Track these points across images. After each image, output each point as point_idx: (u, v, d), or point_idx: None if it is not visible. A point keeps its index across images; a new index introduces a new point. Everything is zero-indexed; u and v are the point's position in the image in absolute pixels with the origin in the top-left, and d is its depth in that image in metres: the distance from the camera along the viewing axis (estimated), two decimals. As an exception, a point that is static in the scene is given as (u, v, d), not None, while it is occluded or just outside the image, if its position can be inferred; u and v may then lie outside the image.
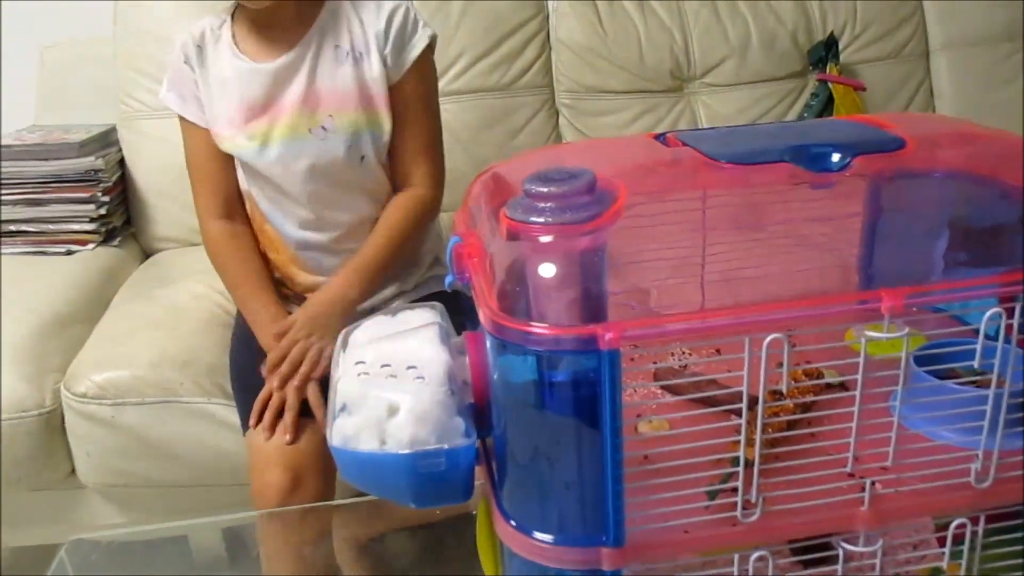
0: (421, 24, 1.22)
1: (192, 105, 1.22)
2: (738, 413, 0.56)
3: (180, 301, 1.42)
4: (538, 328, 0.50)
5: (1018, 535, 0.60)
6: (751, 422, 0.57)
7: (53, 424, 1.28)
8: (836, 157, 0.56)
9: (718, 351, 0.63)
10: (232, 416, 1.27)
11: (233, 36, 1.20)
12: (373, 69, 1.18)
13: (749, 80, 1.88)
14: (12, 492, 1.33)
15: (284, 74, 1.17)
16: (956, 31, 1.98)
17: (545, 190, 0.52)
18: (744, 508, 0.55)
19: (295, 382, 1.12)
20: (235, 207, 1.25)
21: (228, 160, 1.23)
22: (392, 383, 0.59)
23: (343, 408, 0.61)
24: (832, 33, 1.89)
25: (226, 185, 1.24)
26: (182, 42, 1.21)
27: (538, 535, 0.55)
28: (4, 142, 1.60)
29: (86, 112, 1.75)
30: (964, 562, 0.58)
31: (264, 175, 1.20)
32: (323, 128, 1.17)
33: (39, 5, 1.84)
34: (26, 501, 1.35)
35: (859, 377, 0.51)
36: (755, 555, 0.56)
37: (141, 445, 1.28)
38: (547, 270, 0.52)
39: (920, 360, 0.65)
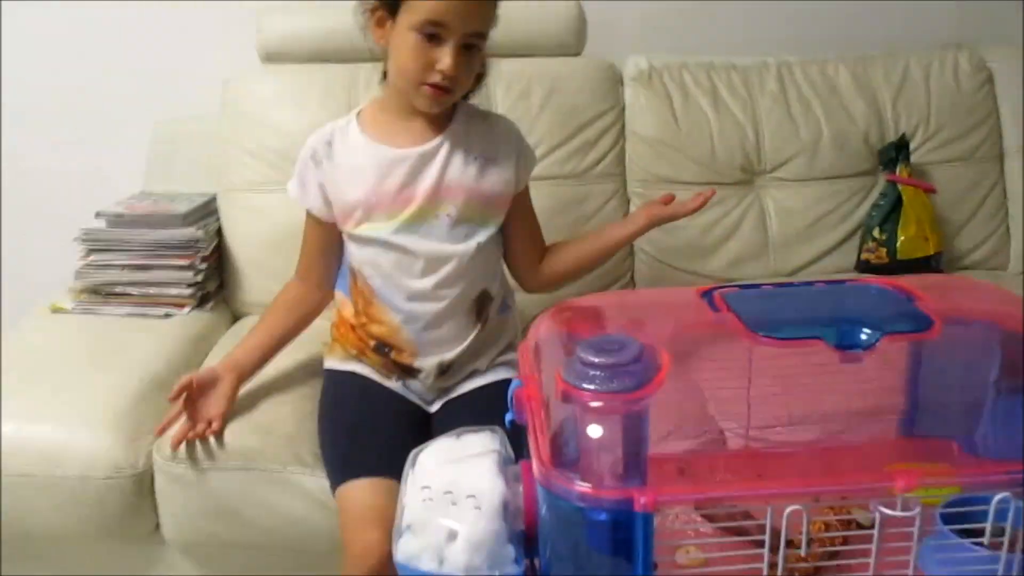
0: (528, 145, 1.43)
1: (311, 196, 1.38)
2: (771, 549, 0.61)
3: (263, 370, 1.52)
4: (582, 487, 0.56)
5: None
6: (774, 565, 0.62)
7: (144, 484, 1.38)
8: (865, 336, 0.62)
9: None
10: (307, 483, 1.35)
11: (361, 131, 1.36)
12: (504, 176, 1.36)
13: (818, 176, 1.93)
14: (99, 544, 1.43)
15: (421, 161, 1.33)
16: (1032, 135, 2.00)
17: (596, 360, 0.59)
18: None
19: None
20: (313, 275, 1.45)
21: (327, 246, 1.42)
22: (453, 511, 0.67)
23: (408, 528, 0.69)
24: (904, 135, 1.93)
25: (316, 262, 1.44)
26: (311, 142, 1.38)
27: (576, 664, 0.62)
28: (116, 210, 1.73)
29: (189, 181, 1.89)
30: None
31: (387, 252, 1.34)
32: (447, 216, 1.33)
33: (154, 82, 2.01)
34: (108, 552, 1.45)
35: (871, 560, 0.56)
36: None
37: (222, 508, 1.36)
38: (594, 431, 0.58)
39: (951, 508, 0.69)
